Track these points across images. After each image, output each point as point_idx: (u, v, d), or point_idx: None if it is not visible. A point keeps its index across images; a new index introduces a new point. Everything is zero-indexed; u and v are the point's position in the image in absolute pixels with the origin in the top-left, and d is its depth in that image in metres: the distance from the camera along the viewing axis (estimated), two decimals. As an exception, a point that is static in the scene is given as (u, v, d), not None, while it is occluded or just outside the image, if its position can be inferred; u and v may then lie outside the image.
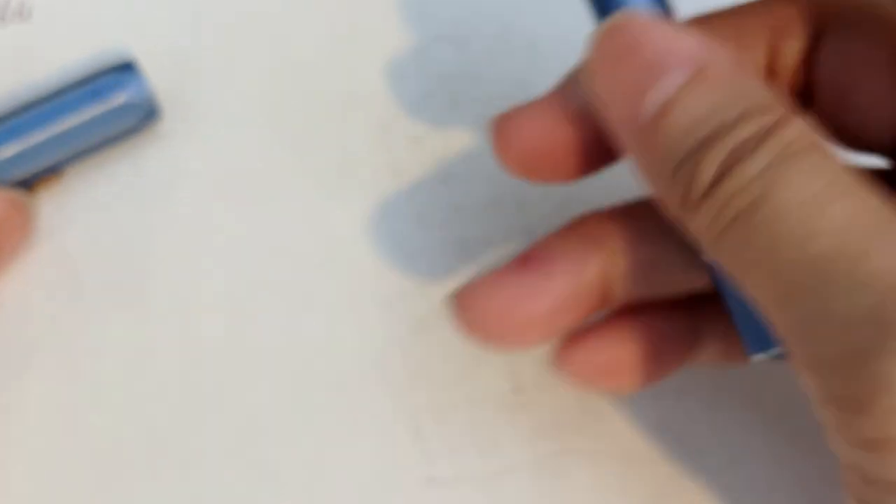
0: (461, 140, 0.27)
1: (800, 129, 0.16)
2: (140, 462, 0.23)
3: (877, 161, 0.21)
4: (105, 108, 0.24)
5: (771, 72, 0.20)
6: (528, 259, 0.21)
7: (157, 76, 0.26)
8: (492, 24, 0.29)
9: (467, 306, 0.21)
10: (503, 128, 0.21)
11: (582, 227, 0.21)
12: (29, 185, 0.24)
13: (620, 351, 0.21)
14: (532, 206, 0.26)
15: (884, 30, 0.19)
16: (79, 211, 0.25)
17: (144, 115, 0.25)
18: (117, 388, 0.24)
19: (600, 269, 0.20)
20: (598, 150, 0.20)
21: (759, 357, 0.18)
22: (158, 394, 0.24)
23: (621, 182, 0.22)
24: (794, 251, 0.15)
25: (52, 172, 0.25)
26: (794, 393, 0.24)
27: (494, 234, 0.26)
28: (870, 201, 0.15)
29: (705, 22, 0.20)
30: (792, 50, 0.20)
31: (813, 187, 0.15)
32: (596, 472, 0.23)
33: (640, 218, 0.20)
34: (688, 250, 0.19)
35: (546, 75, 0.27)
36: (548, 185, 0.26)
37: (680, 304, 0.21)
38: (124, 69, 0.25)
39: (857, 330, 0.14)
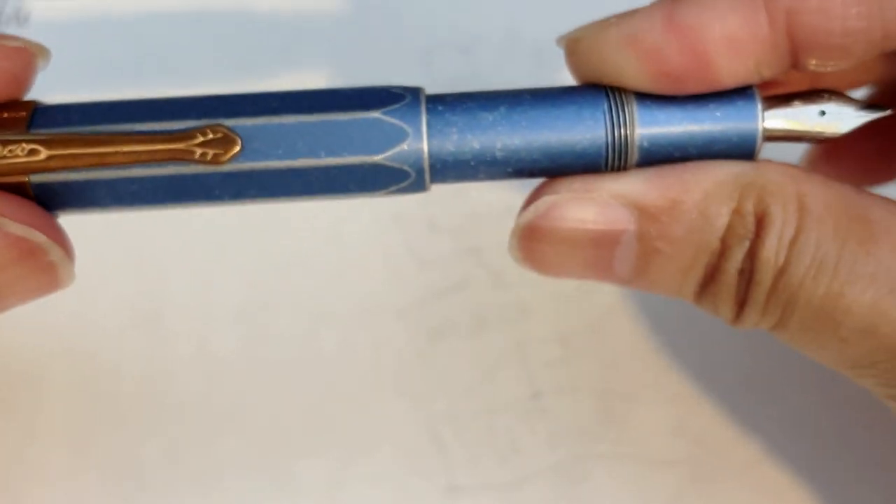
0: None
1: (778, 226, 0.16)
2: (160, 479, 0.23)
3: None
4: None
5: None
6: None
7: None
8: (498, 31, 0.29)
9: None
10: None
11: None
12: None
13: None
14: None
15: None
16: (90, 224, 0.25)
17: None
18: (135, 404, 0.23)
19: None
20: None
21: None
22: (176, 409, 0.23)
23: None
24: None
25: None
26: (814, 393, 0.24)
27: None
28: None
29: None
30: None
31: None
32: (617, 477, 0.23)
33: None
34: None
35: (552, 81, 0.28)
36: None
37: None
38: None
39: None
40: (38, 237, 0.16)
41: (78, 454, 0.23)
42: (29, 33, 0.28)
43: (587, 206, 0.16)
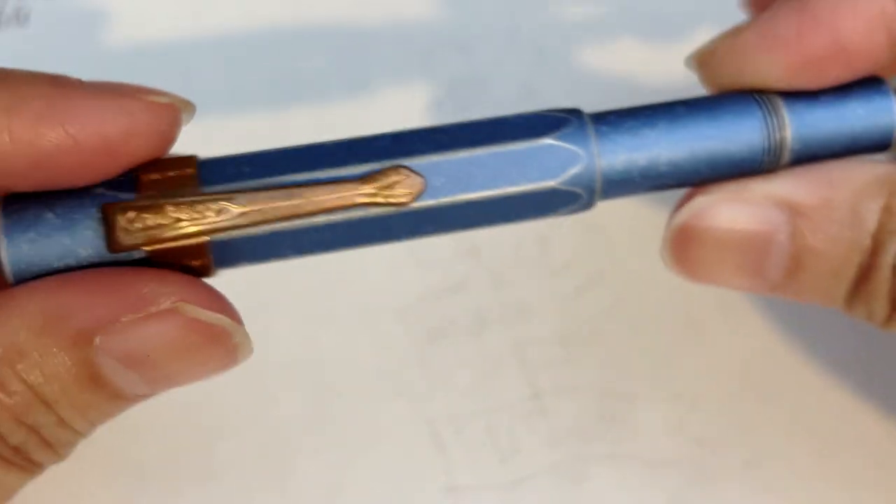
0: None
1: None
2: (161, 478, 0.23)
3: None
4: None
5: None
6: None
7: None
8: (498, 31, 0.29)
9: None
10: None
11: None
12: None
13: None
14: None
15: None
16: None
17: None
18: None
19: None
20: None
21: None
22: (177, 409, 0.23)
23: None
24: None
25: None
26: (812, 392, 0.24)
27: (507, 241, 0.26)
28: None
29: None
30: None
31: None
32: (617, 477, 0.23)
33: None
34: None
35: (553, 80, 0.28)
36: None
37: None
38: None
39: None
40: (225, 321, 0.16)
41: (78, 454, 0.23)
42: (29, 33, 0.28)
43: (741, 207, 0.17)
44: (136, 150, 0.16)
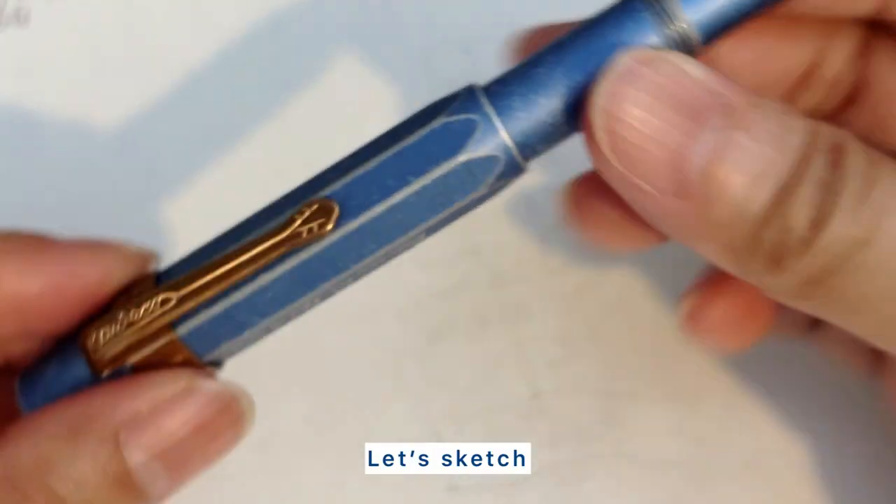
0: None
1: (858, 147, 0.15)
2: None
3: None
4: None
5: (813, 70, 0.19)
6: None
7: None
8: (498, 31, 0.29)
9: None
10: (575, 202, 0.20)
11: None
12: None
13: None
14: (544, 210, 0.26)
15: None
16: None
17: None
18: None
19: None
20: None
21: None
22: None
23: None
24: None
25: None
26: (811, 393, 0.24)
27: (508, 240, 0.26)
28: None
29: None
30: (842, 48, 0.19)
31: None
32: (617, 477, 0.23)
33: None
34: None
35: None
36: (556, 190, 0.26)
37: None
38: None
39: None
40: (232, 389, 0.18)
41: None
42: (29, 33, 0.28)
43: (689, 63, 0.15)
44: (111, 292, 0.18)
